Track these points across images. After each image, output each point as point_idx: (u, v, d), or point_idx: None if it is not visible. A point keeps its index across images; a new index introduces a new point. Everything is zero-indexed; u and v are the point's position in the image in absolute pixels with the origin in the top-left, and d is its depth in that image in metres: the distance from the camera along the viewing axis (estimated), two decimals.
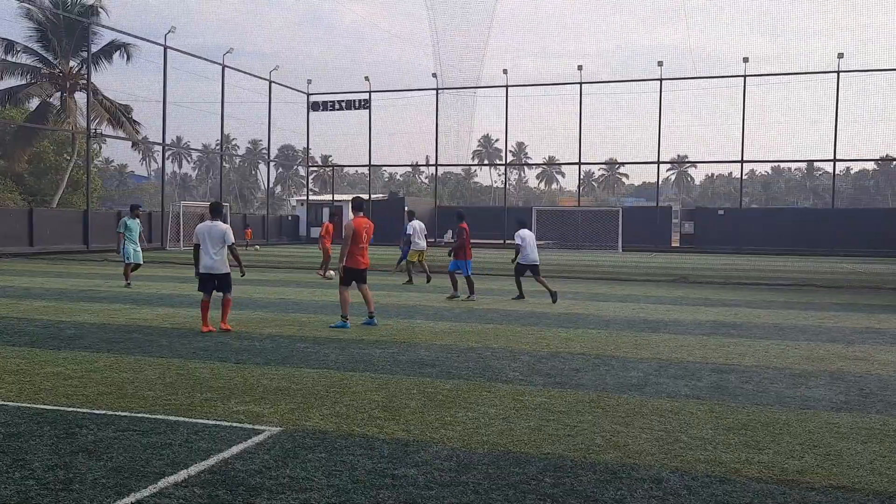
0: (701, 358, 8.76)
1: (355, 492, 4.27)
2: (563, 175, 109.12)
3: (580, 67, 43.47)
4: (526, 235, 15.15)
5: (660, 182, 49.24)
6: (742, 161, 42.57)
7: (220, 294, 10.34)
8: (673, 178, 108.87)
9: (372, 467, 4.70)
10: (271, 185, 57.42)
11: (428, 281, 18.53)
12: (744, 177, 48.16)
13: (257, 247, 38.35)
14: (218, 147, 52.61)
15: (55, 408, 5.99)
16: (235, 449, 5.01)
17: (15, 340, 9.17)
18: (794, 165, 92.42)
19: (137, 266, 16.98)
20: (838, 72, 39.36)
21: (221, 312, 10.31)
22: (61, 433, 5.29)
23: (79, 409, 5.95)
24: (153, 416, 5.78)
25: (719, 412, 6.24)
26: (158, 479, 4.41)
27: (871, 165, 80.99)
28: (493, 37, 39.90)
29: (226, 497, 4.15)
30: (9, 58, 38.49)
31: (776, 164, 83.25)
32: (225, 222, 10.55)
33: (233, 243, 10.34)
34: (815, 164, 75.37)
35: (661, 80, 42.31)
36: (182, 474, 4.49)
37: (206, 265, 10.16)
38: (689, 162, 73.88)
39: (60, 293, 14.81)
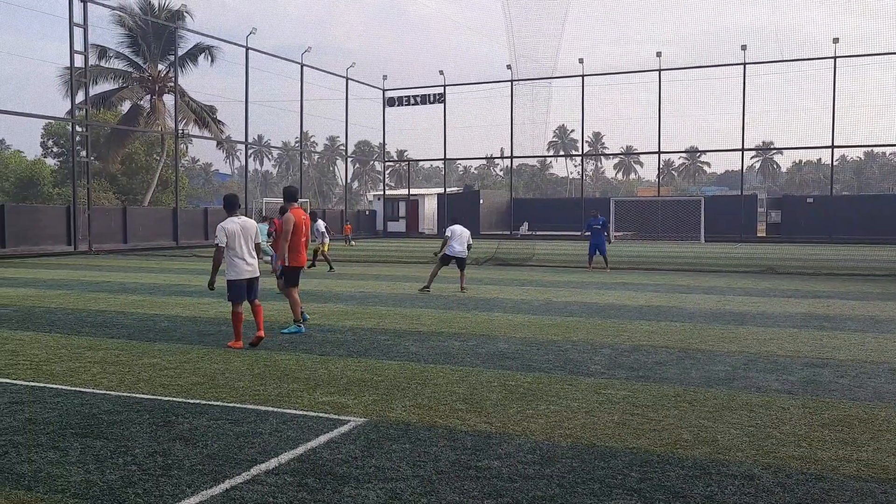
0: (792, 351, 8.44)
1: (440, 482, 4.32)
2: (641, 165, 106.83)
3: (659, 54, 42.44)
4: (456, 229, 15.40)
5: (744, 170, 47.59)
6: (832, 146, 40.67)
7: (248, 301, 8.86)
8: (758, 165, 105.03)
9: (455, 459, 4.74)
10: (349, 180, 58.43)
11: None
12: (834, 163, 46.01)
13: (353, 242, 38.54)
14: (297, 144, 53.87)
15: (153, 397, 6.28)
16: (322, 438, 5.14)
17: (114, 333, 9.66)
18: (889, 150, 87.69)
19: None
20: None
21: (256, 320, 8.79)
22: (159, 421, 5.55)
23: (174, 399, 6.22)
24: (243, 406, 5.99)
25: (813, 407, 6.01)
26: (251, 466, 4.57)
27: None
28: (569, 25, 39.20)
29: (315, 485, 4.27)
30: (102, 63, 40.42)
31: (869, 148, 79.13)
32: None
33: (259, 244, 8.94)
34: None
35: (744, 64, 40.83)
36: (273, 462, 4.64)
37: (242, 270, 8.56)
38: (774, 148, 71.06)
39: (153, 288, 15.49)
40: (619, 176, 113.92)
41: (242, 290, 8.62)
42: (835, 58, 39.09)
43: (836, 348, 8.65)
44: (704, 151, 67.00)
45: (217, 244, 8.49)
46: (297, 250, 9.74)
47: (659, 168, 50.98)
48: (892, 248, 32.61)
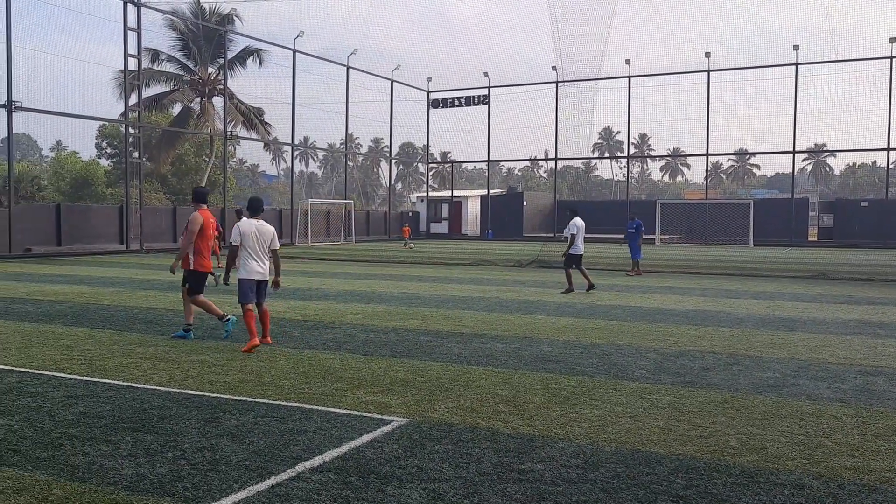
0: (844, 359, 8.22)
1: (482, 484, 4.32)
2: (688, 167, 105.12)
3: (708, 54, 41.74)
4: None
5: (795, 173, 46.49)
6: (888, 149, 39.45)
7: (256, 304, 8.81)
8: (809, 168, 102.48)
9: (498, 461, 4.73)
10: (392, 181, 58.82)
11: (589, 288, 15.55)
12: (890, 166, 44.64)
13: (412, 245, 37.07)
14: (342, 146, 54.42)
15: (201, 393, 6.41)
16: (366, 437, 5.18)
17: (164, 330, 9.88)
18: None
19: None
20: None
21: (263, 326, 8.82)
22: (207, 417, 5.66)
23: (222, 395, 6.34)
24: (289, 404, 6.07)
25: (867, 417, 5.84)
26: (296, 463, 4.63)
27: None
28: (615, 26, 38.76)
29: (358, 483, 4.30)
30: (155, 66, 41.41)
31: None
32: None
33: (277, 248, 8.87)
34: None
35: (796, 64, 39.89)
36: (317, 460, 4.69)
37: (253, 270, 8.61)
38: (828, 151, 69.26)
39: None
40: (666, 178, 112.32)
41: (251, 290, 8.64)
42: (891, 58, 37.94)
43: (891, 356, 8.39)
44: (754, 154, 65.71)
45: (231, 243, 8.66)
46: (203, 254, 9.20)
47: (707, 170, 50.12)
48: None
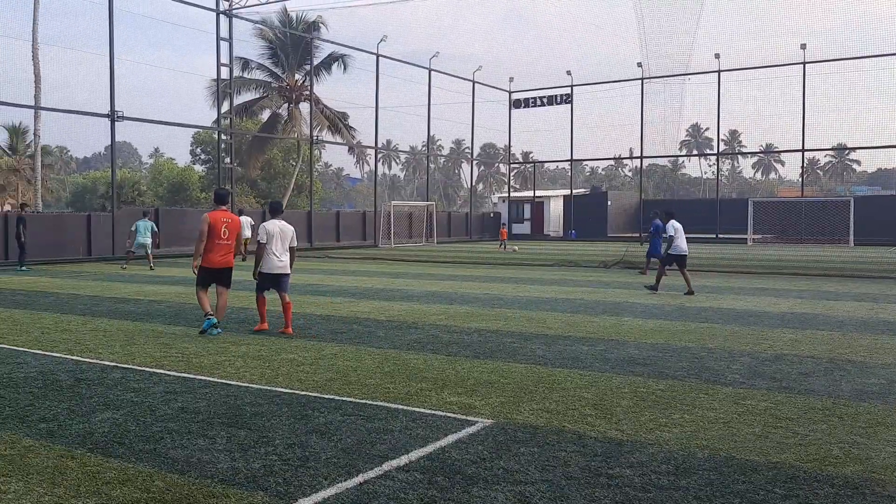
0: None
1: (570, 488, 4.25)
2: (782, 164, 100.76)
3: (803, 46, 39.91)
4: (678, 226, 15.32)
5: None
6: None
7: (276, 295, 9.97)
8: None
9: (585, 465, 4.66)
10: (474, 182, 58.92)
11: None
12: None
13: (516, 248, 35.05)
14: (424, 148, 54.94)
15: (291, 391, 6.58)
16: (451, 438, 5.19)
17: (254, 329, 10.20)
18: None
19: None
20: None
21: (285, 317, 9.76)
22: (297, 414, 5.80)
23: (310, 393, 6.48)
24: (374, 403, 6.16)
25: None
26: (382, 462, 4.69)
27: None
28: (704, 19, 37.52)
29: (444, 483, 4.31)
30: (245, 74, 42.91)
31: None
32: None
33: (295, 246, 9.94)
34: None
35: None
36: (403, 459, 4.74)
37: (273, 265, 9.67)
38: None
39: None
40: (758, 175, 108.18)
41: (267, 281, 9.79)
42: None
43: None
44: (854, 149, 62.53)
45: (259, 241, 9.74)
46: (209, 252, 9.70)
47: (802, 167, 48.00)
48: None
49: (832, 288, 16.10)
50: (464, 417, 5.73)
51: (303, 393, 6.50)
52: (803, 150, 42.87)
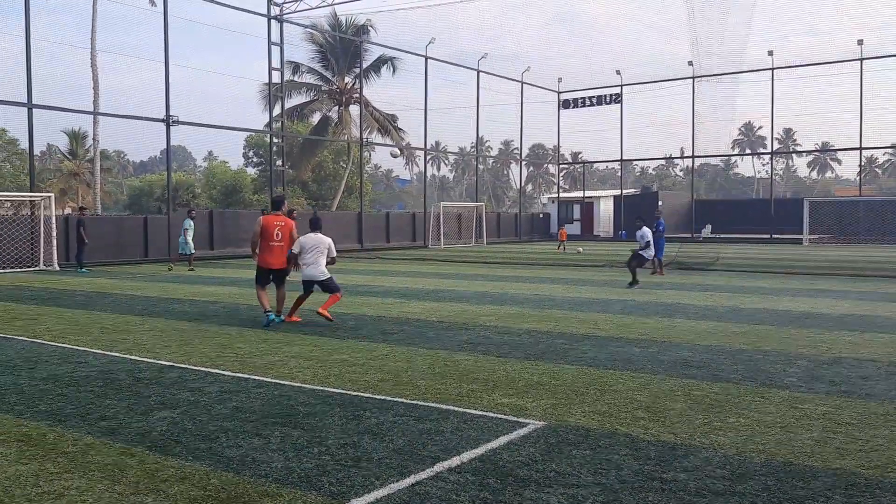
0: None
1: (623, 492, 4.22)
2: (839, 162, 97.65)
3: (860, 42, 38.68)
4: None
5: None
6: None
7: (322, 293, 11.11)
8: None
9: (638, 468, 4.61)
10: (523, 183, 58.70)
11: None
12: None
13: (580, 249, 33.53)
14: (473, 149, 54.96)
15: (343, 391, 6.67)
16: (503, 440, 5.19)
17: (307, 330, 10.36)
18: None
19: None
20: None
21: (328, 302, 10.81)
22: (349, 415, 5.88)
23: (362, 394, 6.56)
24: (426, 404, 6.19)
25: None
26: (434, 463, 4.71)
27: None
28: (757, 16, 36.71)
29: (496, 485, 4.32)
30: (296, 78, 43.59)
31: None
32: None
33: (334, 255, 10.99)
34: None
35: None
36: (455, 460, 4.76)
37: (307, 273, 10.85)
38: None
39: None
40: (814, 174, 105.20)
41: (304, 285, 11.00)
42: None
43: None
44: None
45: (292, 251, 10.87)
46: (262, 253, 10.87)
47: (860, 165, 46.50)
48: None
49: (894, 289, 15.57)
50: (515, 419, 5.73)
51: (355, 393, 6.58)
52: (861, 149, 41.56)
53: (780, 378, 7.14)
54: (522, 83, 47.01)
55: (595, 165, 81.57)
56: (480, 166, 73.38)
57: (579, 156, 76.92)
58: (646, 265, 17.99)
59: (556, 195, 55.78)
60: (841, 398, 6.35)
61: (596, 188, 77.31)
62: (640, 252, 16.78)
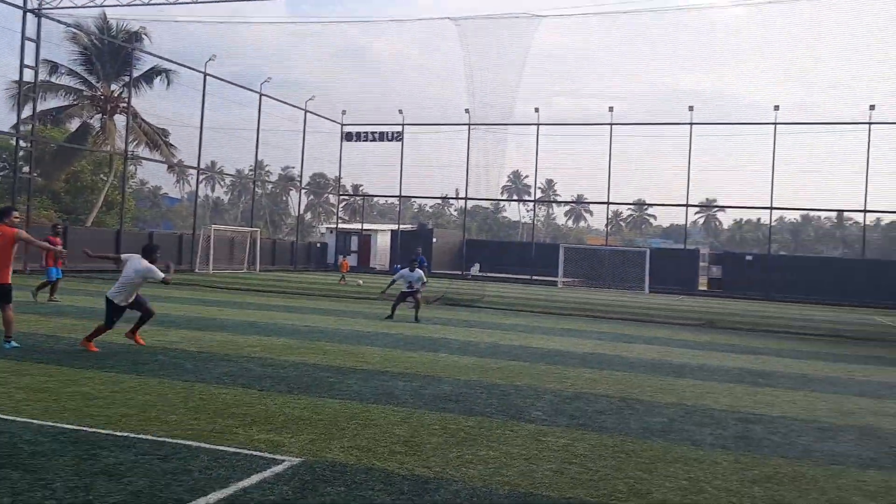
0: (727, 406, 8.60)
1: None
2: (591, 213, 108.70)
3: (611, 109, 43.58)
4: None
5: (688, 225, 48.94)
6: (771, 208, 42.15)
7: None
8: (701, 221, 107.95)
9: (391, 503, 4.66)
10: (301, 211, 58.06)
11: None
12: (773, 223, 47.67)
13: (360, 282, 32.95)
14: (251, 172, 53.47)
15: (78, 427, 6.04)
16: (255, 478, 5.00)
17: (42, 358, 9.29)
18: (823, 214, 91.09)
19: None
20: (870, 123, 39.05)
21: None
22: (83, 454, 5.33)
23: (101, 431, 5.99)
24: (174, 441, 5.80)
25: (745, 463, 6.11)
26: None
27: None
28: (526, 76, 40.12)
29: None
30: (52, 79, 39.58)
31: (806, 211, 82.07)
32: (155, 263, 10.51)
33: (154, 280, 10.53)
34: (845, 213, 74.34)
35: (691, 124, 42.24)
36: (200, 502, 4.49)
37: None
38: (717, 206, 73.36)
39: (90, 312, 14.98)
40: (570, 223, 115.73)
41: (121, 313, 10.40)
42: (775, 124, 40.75)
43: (769, 404, 8.85)
44: (651, 205, 68.86)
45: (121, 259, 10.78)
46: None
47: (608, 218, 52.11)
48: (824, 308, 33.74)
49: (629, 331, 17.47)
50: (271, 456, 5.55)
51: (92, 430, 5.99)
52: (608, 203, 46.55)
53: (528, 412, 7.65)
54: (306, 111, 46.79)
55: (375, 199, 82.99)
56: (258, 190, 71.44)
57: (360, 188, 77.86)
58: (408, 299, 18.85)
59: (335, 225, 55.85)
60: (578, 431, 6.94)
61: (375, 221, 78.61)
62: (409, 291, 17.37)
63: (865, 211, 41.20)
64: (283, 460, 5.45)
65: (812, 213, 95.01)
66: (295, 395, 7.84)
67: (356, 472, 5.26)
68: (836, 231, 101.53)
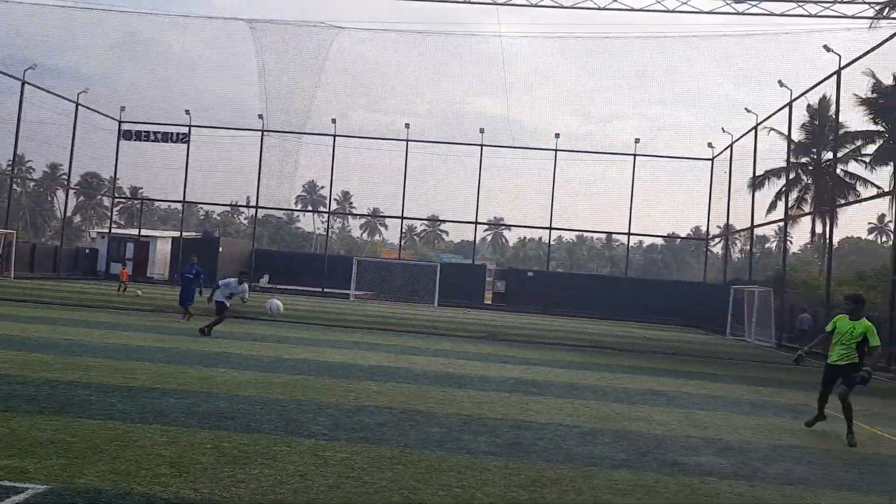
0: (501, 414, 9.04)
1: None
2: (386, 227, 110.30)
3: (407, 125, 44.63)
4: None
5: (476, 241, 51.29)
6: (550, 228, 45.46)
7: None
8: (489, 238, 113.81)
9: None
10: (69, 213, 52.97)
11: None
12: (552, 242, 51.47)
13: (139, 292, 30.69)
14: (9, 168, 47.89)
15: None
16: None
17: None
18: (595, 235, 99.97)
19: None
20: (635, 155, 43.62)
21: None
22: None
23: None
24: None
25: (513, 468, 6.44)
26: None
27: (659, 241, 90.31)
28: (323, 86, 39.95)
29: None
30: None
31: (580, 232, 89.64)
32: None
33: None
34: (613, 235, 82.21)
35: (482, 145, 44.45)
36: None
37: None
38: (503, 225, 77.74)
39: None
40: (365, 236, 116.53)
41: None
42: (556, 150, 44.12)
43: (538, 412, 9.44)
44: (444, 221, 71.34)
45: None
46: None
47: (402, 232, 53.13)
48: (595, 322, 36.89)
49: (417, 344, 17.84)
50: (10, 485, 4.93)
51: None
52: (402, 218, 47.53)
53: (308, 427, 7.50)
54: (78, 104, 42.91)
55: (156, 204, 78.01)
56: (17, 188, 64.23)
57: (139, 191, 72.83)
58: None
59: (108, 230, 51.60)
60: (359, 444, 6.92)
61: (156, 227, 73.77)
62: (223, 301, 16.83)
63: (629, 234, 45.78)
64: (26, 488, 4.87)
65: (586, 234, 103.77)
66: (46, 415, 7.06)
67: (111, 499, 4.82)
68: (605, 251, 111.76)
